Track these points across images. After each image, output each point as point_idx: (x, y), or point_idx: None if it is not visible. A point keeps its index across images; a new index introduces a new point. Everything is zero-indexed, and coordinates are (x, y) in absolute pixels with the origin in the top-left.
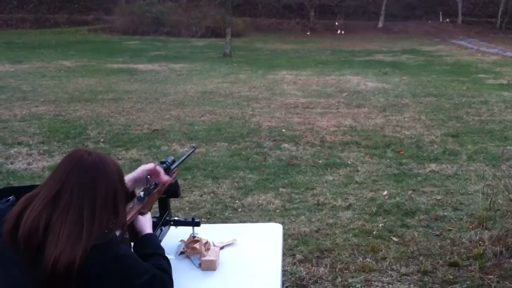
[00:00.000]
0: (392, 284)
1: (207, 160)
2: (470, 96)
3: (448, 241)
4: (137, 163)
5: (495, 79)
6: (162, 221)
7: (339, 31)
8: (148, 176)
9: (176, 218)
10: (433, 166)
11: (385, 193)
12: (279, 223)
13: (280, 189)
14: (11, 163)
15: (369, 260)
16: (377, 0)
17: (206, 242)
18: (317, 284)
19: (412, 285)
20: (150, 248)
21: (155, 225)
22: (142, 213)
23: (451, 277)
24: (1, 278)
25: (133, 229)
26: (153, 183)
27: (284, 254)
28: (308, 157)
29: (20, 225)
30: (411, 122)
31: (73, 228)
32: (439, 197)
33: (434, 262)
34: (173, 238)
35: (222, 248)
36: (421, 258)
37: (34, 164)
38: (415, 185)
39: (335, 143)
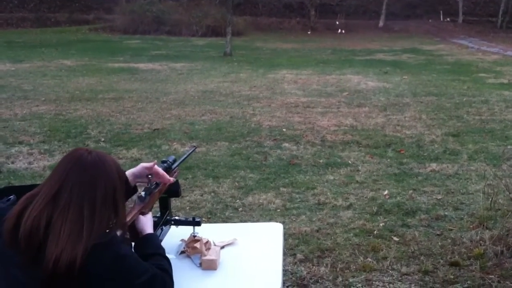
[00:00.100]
0: (393, 284)
1: (208, 159)
2: (470, 95)
3: (449, 240)
4: (138, 162)
5: (496, 78)
6: (163, 221)
7: (339, 30)
8: (149, 175)
9: (176, 218)
10: (433, 165)
11: (385, 192)
12: (279, 222)
13: (281, 189)
14: (12, 163)
15: (370, 259)
16: None
17: (207, 242)
18: (318, 284)
19: (413, 285)
20: (151, 248)
21: (155, 225)
22: (143, 213)
23: (452, 276)
24: (2, 277)
25: (134, 229)
26: (154, 182)
27: (284, 254)
28: (309, 156)
29: (20, 224)
30: (412, 121)
31: (73, 227)
32: (439, 197)
33: (435, 262)
34: (173, 237)
35: (222, 247)
36: (422, 257)
37: (35, 163)
38: (415, 184)
39: (336, 143)
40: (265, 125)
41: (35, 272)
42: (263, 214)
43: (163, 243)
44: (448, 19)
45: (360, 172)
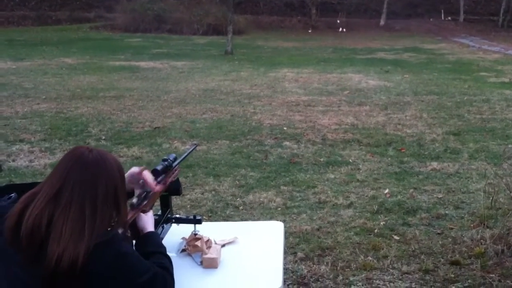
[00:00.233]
0: (393, 283)
1: (209, 158)
2: (471, 94)
3: (450, 239)
4: (139, 160)
5: (497, 77)
6: (164, 219)
7: (340, 29)
8: (141, 181)
9: (177, 216)
10: (434, 164)
11: (386, 191)
12: (280, 221)
13: (282, 187)
14: (13, 160)
15: (370, 258)
16: None
17: (208, 240)
18: (319, 282)
19: (413, 284)
20: (152, 246)
21: (156, 223)
22: (144, 211)
23: (453, 275)
24: (3, 276)
25: (135, 227)
26: (144, 192)
27: (285, 252)
28: (310, 155)
29: (22, 223)
30: (413, 120)
31: (75, 225)
32: (440, 196)
33: (435, 261)
34: (174, 235)
35: (223, 246)
36: (422, 256)
37: (35, 161)
38: (416, 183)
39: (337, 141)
40: (266, 123)
41: (36, 271)
42: (264, 213)
43: (164, 241)
44: (449, 18)
45: (360, 171)
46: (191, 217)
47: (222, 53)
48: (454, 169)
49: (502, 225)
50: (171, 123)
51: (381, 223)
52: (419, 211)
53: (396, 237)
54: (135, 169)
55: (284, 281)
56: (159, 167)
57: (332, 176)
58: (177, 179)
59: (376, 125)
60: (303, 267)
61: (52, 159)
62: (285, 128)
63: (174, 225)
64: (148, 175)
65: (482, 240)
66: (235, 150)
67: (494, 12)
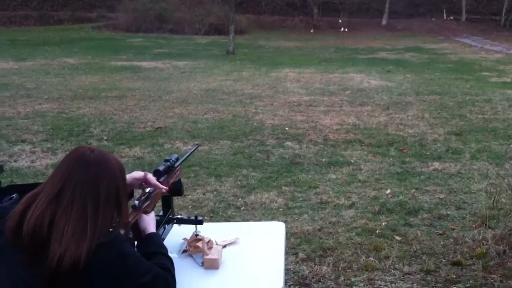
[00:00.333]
0: (395, 283)
1: (210, 158)
2: (473, 94)
3: (451, 240)
4: (140, 161)
5: (499, 77)
6: (165, 219)
7: (342, 29)
8: (143, 183)
9: (179, 216)
10: (436, 164)
11: (388, 191)
12: (282, 221)
13: (283, 188)
14: (15, 161)
15: (372, 259)
16: None
17: (209, 241)
18: (320, 283)
19: (415, 284)
20: (154, 247)
21: (158, 223)
22: (146, 212)
23: (454, 276)
24: (5, 276)
25: (136, 228)
26: (147, 193)
27: (287, 253)
28: (311, 155)
29: (23, 223)
30: (415, 120)
31: (77, 225)
32: (442, 196)
33: (437, 261)
34: (176, 236)
35: (224, 246)
36: (424, 257)
37: (37, 161)
38: (418, 183)
39: (338, 141)
40: (268, 123)
41: (38, 271)
42: (265, 213)
43: (165, 242)
44: (451, 17)
45: (362, 171)
46: (193, 217)
47: (223, 53)
48: (456, 169)
49: (504, 226)
50: (173, 123)
51: (383, 224)
52: (420, 211)
53: (397, 238)
54: (138, 174)
55: (286, 281)
56: (161, 168)
57: (334, 177)
58: (179, 180)
59: (378, 125)
60: (305, 267)
61: (54, 160)
62: (286, 128)
63: (175, 225)
64: (152, 179)
65: (484, 241)
66: (237, 151)
67: (496, 11)
